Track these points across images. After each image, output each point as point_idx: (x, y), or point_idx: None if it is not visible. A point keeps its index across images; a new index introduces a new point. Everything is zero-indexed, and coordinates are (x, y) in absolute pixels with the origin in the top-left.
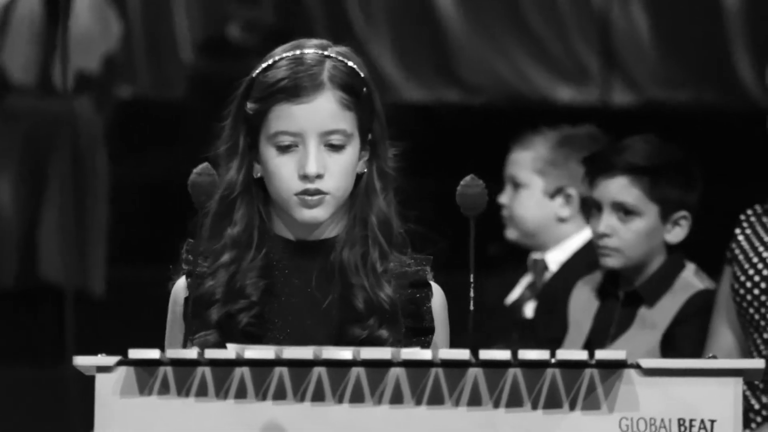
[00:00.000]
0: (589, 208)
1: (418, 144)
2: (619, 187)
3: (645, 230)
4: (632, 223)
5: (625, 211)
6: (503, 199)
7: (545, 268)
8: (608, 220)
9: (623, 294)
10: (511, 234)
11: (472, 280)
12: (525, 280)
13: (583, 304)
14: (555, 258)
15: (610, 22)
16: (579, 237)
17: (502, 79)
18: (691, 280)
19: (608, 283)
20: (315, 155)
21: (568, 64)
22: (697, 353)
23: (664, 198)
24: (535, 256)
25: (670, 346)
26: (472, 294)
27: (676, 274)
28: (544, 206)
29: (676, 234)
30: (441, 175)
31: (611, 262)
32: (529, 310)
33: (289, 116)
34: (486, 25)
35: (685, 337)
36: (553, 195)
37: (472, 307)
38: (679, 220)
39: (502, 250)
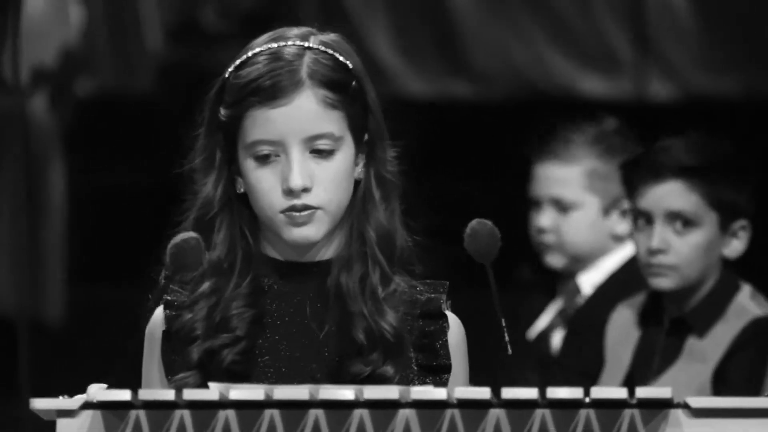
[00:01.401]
0: (635, 219)
1: (423, 144)
2: (673, 194)
3: (704, 244)
4: (690, 236)
5: (683, 221)
6: (544, 222)
7: (578, 291)
8: (662, 233)
9: (668, 321)
10: (555, 261)
11: (504, 324)
12: (554, 307)
13: (622, 333)
14: (589, 280)
15: (644, 0)
16: (616, 255)
17: (519, 67)
18: (746, 304)
19: (651, 308)
20: (299, 165)
21: (595, 50)
22: (754, 390)
23: (723, 204)
24: (567, 278)
25: (722, 381)
26: (507, 338)
27: (730, 298)
28: (598, 226)
29: (735, 248)
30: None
31: (665, 283)
32: (557, 340)
33: (266, 122)
34: (499, 4)
35: (740, 372)
36: (607, 211)
37: (509, 351)
38: (737, 231)
39: (533, 274)
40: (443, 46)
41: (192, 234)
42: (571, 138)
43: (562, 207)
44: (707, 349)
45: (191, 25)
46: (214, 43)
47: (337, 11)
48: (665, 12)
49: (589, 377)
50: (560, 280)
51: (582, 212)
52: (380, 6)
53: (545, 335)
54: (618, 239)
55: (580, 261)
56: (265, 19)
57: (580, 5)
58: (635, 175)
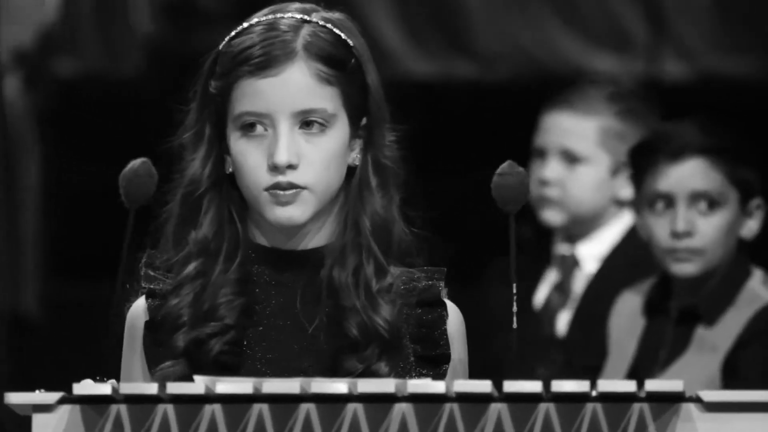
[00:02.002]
0: (652, 202)
1: (425, 128)
2: (696, 173)
3: (728, 224)
4: (715, 217)
5: (707, 201)
6: (550, 173)
7: (576, 264)
8: (687, 215)
9: (677, 310)
10: (553, 217)
11: (515, 290)
12: (549, 280)
13: (627, 323)
14: (589, 252)
15: None
16: (615, 226)
17: (526, 47)
18: (759, 290)
19: (658, 295)
20: (287, 140)
21: (606, 29)
22: None
23: (743, 182)
24: (563, 250)
25: (733, 373)
26: (515, 309)
27: (741, 284)
28: (604, 186)
29: (751, 228)
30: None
31: (690, 268)
32: (562, 324)
33: (254, 93)
34: None
35: (752, 362)
36: (615, 172)
37: (515, 325)
38: (754, 211)
39: (533, 235)
40: (447, 25)
41: (141, 159)
42: (589, 91)
43: (571, 160)
44: (717, 338)
45: (182, 4)
46: (206, 23)
47: None
48: None
49: (589, 370)
50: (556, 248)
51: (591, 168)
52: None
53: (548, 315)
54: (620, 204)
55: (579, 222)
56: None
57: None
58: (649, 158)
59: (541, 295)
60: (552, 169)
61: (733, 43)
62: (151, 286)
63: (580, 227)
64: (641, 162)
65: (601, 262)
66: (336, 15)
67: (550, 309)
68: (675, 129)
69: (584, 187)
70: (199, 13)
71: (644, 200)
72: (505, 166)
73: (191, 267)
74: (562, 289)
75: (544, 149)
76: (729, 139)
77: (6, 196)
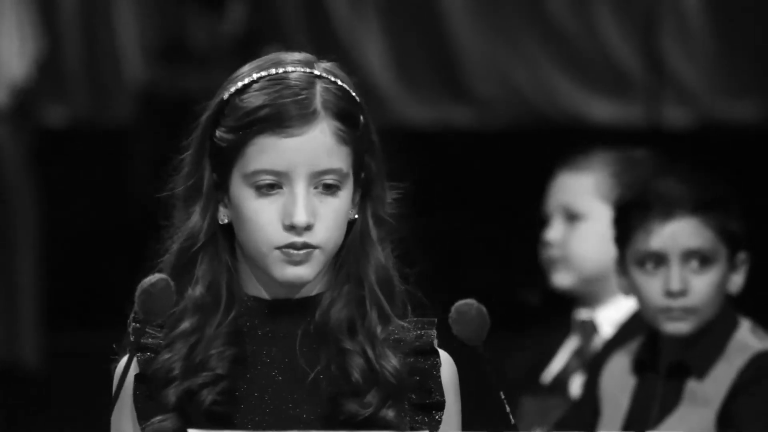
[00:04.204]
0: (642, 261)
1: (421, 178)
2: (688, 231)
3: (719, 281)
4: (707, 275)
5: (700, 259)
6: (552, 235)
7: (595, 330)
8: (682, 274)
9: (666, 366)
10: (561, 280)
11: (508, 410)
12: (569, 346)
13: (617, 383)
14: (608, 317)
15: (657, 18)
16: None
17: (523, 93)
18: (747, 339)
19: (647, 352)
20: (305, 201)
21: (604, 73)
22: (764, 430)
23: (732, 234)
24: (583, 315)
25: (728, 424)
26: (508, 409)
27: (729, 335)
28: (608, 239)
29: (736, 281)
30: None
31: (684, 327)
32: (576, 386)
33: (274, 151)
34: (501, 25)
35: (747, 412)
36: None
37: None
38: (739, 265)
39: (542, 301)
40: (442, 70)
41: (161, 276)
42: (591, 150)
43: (571, 217)
44: (709, 391)
45: (175, 49)
46: (200, 67)
47: (327, 33)
48: (679, 33)
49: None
50: (575, 315)
51: (591, 223)
52: (374, 29)
53: (561, 380)
54: None
55: (588, 282)
56: (253, 40)
57: (588, 25)
58: (638, 216)
59: (560, 360)
60: (554, 229)
61: (735, 87)
62: (143, 341)
63: (592, 289)
64: (629, 220)
65: (617, 328)
66: (331, 65)
67: (567, 373)
68: (665, 185)
69: (586, 243)
70: (192, 59)
71: (631, 258)
72: (459, 304)
73: (187, 323)
74: (581, 354)
75: (548, 213)
76: (719, 192)
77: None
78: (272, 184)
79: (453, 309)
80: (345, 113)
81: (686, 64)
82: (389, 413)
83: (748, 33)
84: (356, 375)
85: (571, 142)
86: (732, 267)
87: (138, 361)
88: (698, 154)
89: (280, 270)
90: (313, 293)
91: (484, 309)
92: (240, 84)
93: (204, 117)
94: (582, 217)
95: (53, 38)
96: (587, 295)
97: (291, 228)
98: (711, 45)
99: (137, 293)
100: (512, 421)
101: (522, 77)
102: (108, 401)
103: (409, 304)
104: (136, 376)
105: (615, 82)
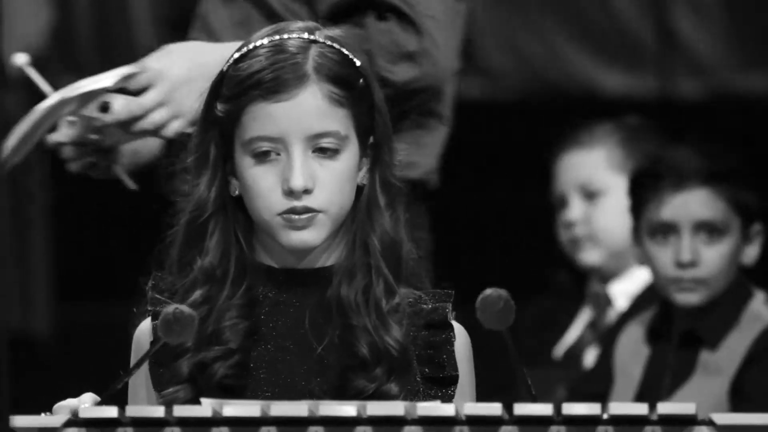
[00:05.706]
0: (653, 231)
1: None
2: (700, 202)
3: (731, 253)
4: (719, 246)
5: (710, 230)
6: (573, 214)
7: (608, 303)
8: (692, 245)
9: (678, 335)
10: (590, 257)
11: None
12: (583, 319)
13: (631, 352)
14: (621, 290)
15: None
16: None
17: (535, 65)
18: (761, 311)
19: (660, 323)
20: (301, 165)
21: (616, 44)
22: None
23: (746, 206)
24: (596, 288)
25: (740, 395)
26: (530, 382)
27: (743, 306)
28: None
29: (750, 253)
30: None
31: (694, 298)
32: (589, 359)
33: (266, 117)
34: None
35: (759, 383)
36: None
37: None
38: (754, 237)
39: (568, 280)
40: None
41: (188, 309)
42: (593, 126)
43: (590, 194)
44: (722, 361)
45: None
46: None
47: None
48: (692, 5)
49: (596, 397)
50: (589, 288)
51: (611, 197)
52: None
53: (575, 351)
54: None
55: (617, 255)
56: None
57: None
58: (650, 186)
59: (574, 332)
60: (574, 209)
61: (747, 58)
62: (157, 309)
63: (616, 263)
64: (643, 190)
65: (632, 300)
66: (337, 32)
67: (581, 345)
68: (677, 156)
69: (610, 217)
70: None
71: (644, 229)
72: (487, 292)
73: (197, 294)
74: (594, 326)
75: (563, 193)
76: (731, 163)
77: (12, 216)
78: (269, 151)
79: (479, 298)
80: (339, 76)
81: (699, 36)
82: (392, 387)
83: (762, 4)
84: (364, 351)
85: (583, 113)
86: (746, 238)
87: (153, 328)
88: (711, 125)
89: (285, 236)
90: (328, 264)
91: (510, 298)
92: (238, 54)
93: (208, 88)
94: (601, 193)
95: (65, 8)
96: (616, 268)
97: (290, 193)
98: (724, 16)
99: (162, 315)
100: (533, 390)
101: (534, 49)
102: (121, 367)
103: (425, 271)
104: (151, 343)
105: (628, 54)
